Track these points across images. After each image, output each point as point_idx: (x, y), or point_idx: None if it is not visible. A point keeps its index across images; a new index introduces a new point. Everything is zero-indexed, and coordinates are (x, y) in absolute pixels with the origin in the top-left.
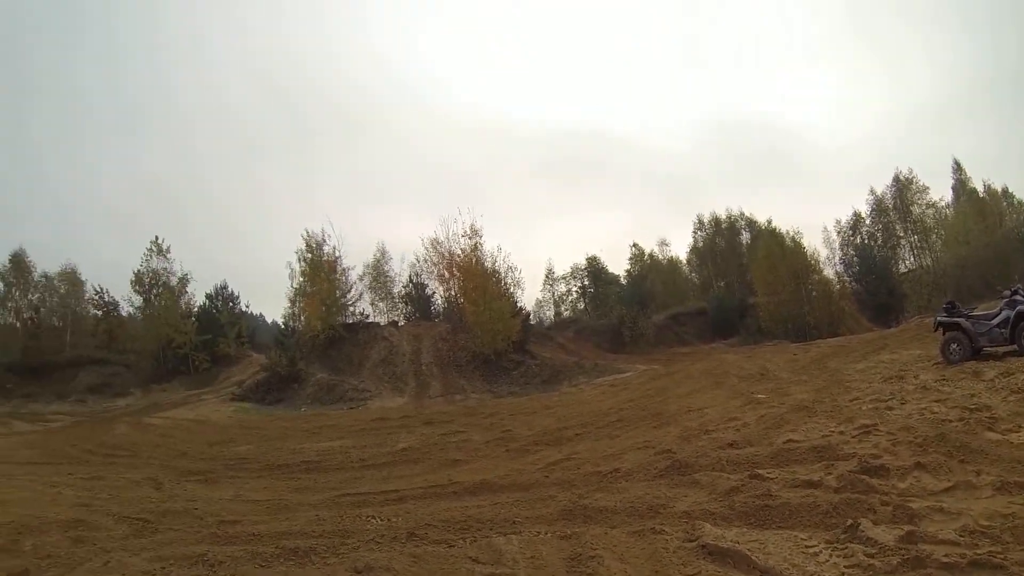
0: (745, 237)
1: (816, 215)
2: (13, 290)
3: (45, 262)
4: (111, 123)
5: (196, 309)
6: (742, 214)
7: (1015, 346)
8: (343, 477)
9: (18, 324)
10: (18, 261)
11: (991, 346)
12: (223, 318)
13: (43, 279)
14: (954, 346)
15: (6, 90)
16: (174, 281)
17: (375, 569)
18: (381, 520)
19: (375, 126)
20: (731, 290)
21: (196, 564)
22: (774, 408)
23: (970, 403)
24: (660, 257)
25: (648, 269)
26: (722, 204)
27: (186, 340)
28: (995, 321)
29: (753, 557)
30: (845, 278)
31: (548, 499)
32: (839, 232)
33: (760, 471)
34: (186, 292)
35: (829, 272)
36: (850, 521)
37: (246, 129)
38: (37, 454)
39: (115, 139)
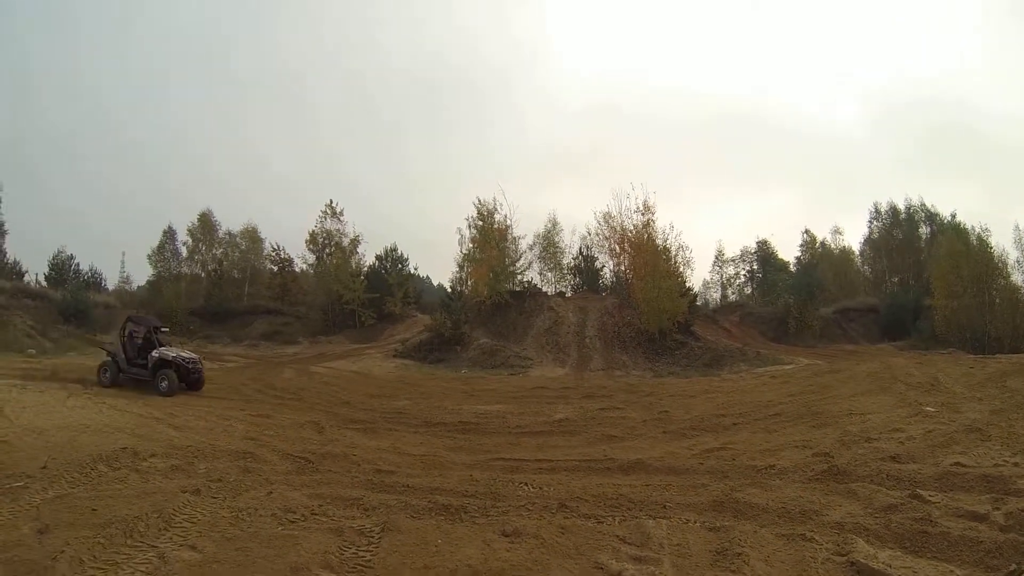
0: (924, 231)
1: (1008, 211)
2: (200, 245)
3: (228, 221)
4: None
5: (366, 268)
6: (922, 205)
7: None
8: (499, 441)
9: (203, 275)
10: (205, 220)
11: None
12: (391, 278)
13: (227, 236)
14: None
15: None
16: (346, 242)
17: (523, 535)
18: (533, 488)
19: (546, 105)
20: (905, 288)
21: (351, 506)
22: (943, 424)
23: None
24: (832, 246)
25: (819, 258)
26: (900, 192)
27: (354, 297)
28: None
29: None
30: None
31: (700, 487)
32: None
33: (922, 492)
34: (357, 252)
35: (1018, 278)
36: (1013, 566)
37: (421, 106)
38: (214, 389)
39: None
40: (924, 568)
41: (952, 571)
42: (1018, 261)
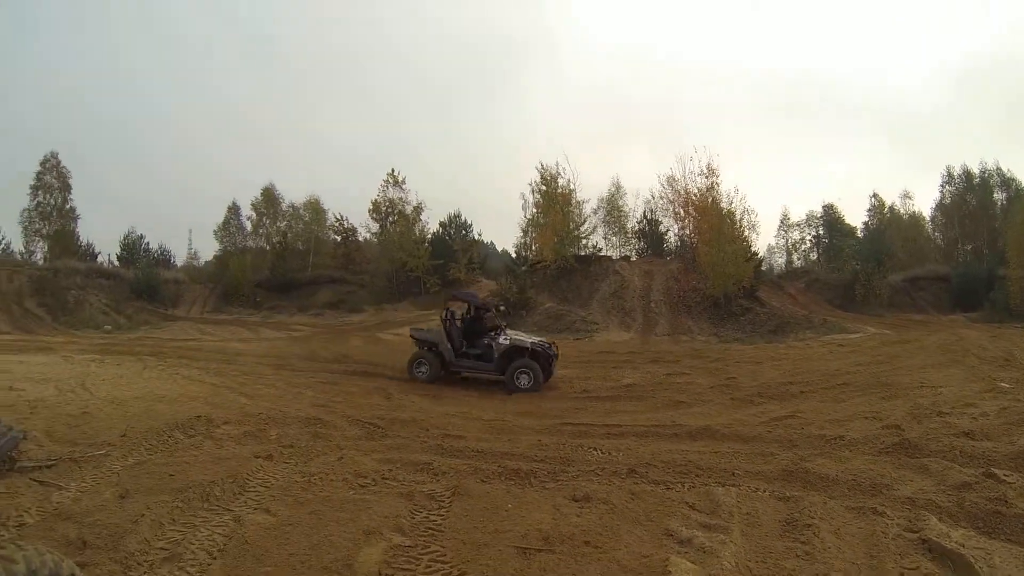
0: (1000, 197)
1: None
2: (264, 219)
3: (291, 194)
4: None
5: (430, 235)
6: (997, 169)
7: None
8: (566, 406)
9: (268, 247)
10: (268, 194)
11: None
12: (455, 245)
13: (290, 208)
14: None
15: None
16: (409, 209)
17: (593, 500)
18: (602, 453)
19: (610, 63)
20: (979, 257)
21: (421, 471)
22: (1020, 402)
23: None
24: (901, 211)
25: (887, 224)
26: (975, 157)
27: (419, 264)
28: None
29: (977, 567)
30: None
31: (769, 455)
32: None
33: (996, 471)
34: (420, 220)
35: None
36: None
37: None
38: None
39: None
40: (998, 550)
41: None
42: None
